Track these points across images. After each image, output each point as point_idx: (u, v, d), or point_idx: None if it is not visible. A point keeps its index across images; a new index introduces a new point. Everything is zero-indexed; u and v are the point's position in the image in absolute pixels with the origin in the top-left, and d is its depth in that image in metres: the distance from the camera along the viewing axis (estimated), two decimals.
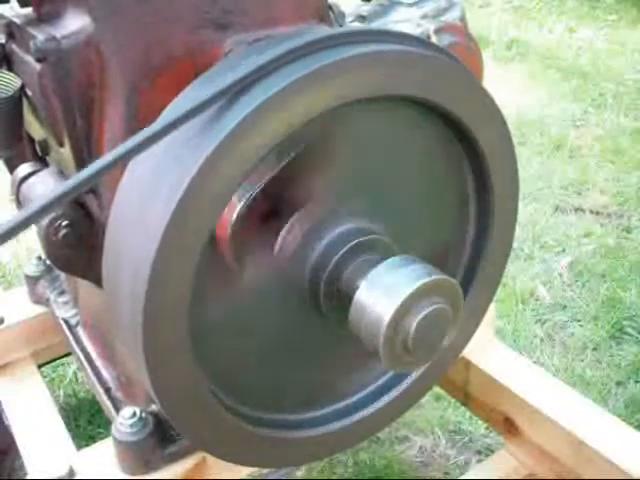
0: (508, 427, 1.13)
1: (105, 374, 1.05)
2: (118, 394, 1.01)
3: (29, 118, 0.89)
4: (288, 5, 0.83)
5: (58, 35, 0.77)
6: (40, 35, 0.77)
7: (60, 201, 0.53)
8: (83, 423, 1.49)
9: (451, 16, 1.05)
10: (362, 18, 1.05)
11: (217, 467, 0.93)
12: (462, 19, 1.06)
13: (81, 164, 0.82)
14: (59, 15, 0.80)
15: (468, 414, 1.47)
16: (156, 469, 0.89)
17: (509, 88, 3.17)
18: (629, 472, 0.96)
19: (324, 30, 0.74)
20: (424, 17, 1.04)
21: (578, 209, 2.26)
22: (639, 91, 3.15)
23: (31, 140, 0.97)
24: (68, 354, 1.33)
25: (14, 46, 0.88)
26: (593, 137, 2.74)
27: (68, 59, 0.77)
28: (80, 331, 1.14)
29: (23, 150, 1.01)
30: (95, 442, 1.00)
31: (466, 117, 0.81)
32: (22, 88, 0.85)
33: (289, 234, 0.78)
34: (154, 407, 0.90)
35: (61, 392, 1.58)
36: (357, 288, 0.74)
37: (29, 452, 1.05)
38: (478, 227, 0.92)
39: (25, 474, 1.02)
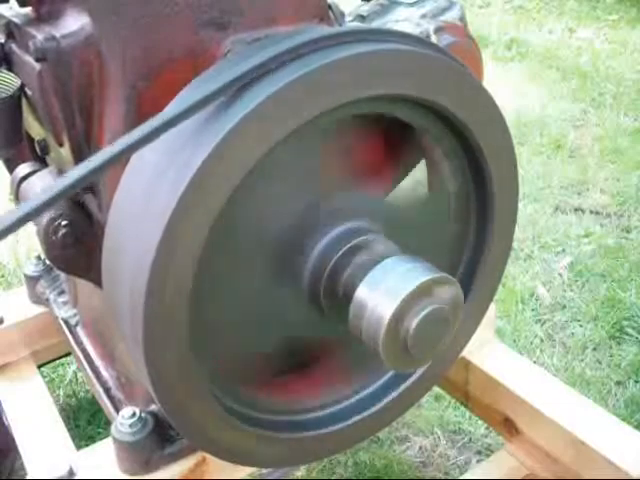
0: (508, 427, 1.13)
1: (105, 374, 1.05)
2: (118, 394, 1.01)
3: (29, 118, 0.89)
4: (287, 5, 0.83)
5: (57, 35, 0.77)
6: (39, 35, 0.77)
7: (59, 197, 0.53)
8: (83, 423, 1.49)
9: (451, 16, 1.05)
10: (362, 18, 1.05)
11: (217, 467, 0.93)
12: (462, 19, 1.06)
13: None
14: (58, 15, 0.80)
15: (468, 414, 1.47)
16: (156, 469, 0.89)
17: (509, 88, 3.17)
18: (629, 472, 0.96)
19: (323, 29, 0.74)
20: (424, 17, 1.04)
21: (578, 209, 2.26)
22: (639, 91, 3.15)
23: (31, 140, 0.97)
24: (68, 354, 1.33)
25: (14, 46, 0.88)
26: (593, 137, 2.74)
27: (67, 59, 0.77)
28: (80, 331, 1.14)
29: (23, 150, 1.01)
30: (95, 442, 1.00)
31: (466, 117, 0.81)
32: (22, 88, 0.85)
33: (289, 234, 0.78)
34: (154, 407, 0.90)
35: (61, 392, 1.58)
36: (357, 287, 0.74)
37: (29, 452, 1.05)
38: (478, 227, 0.92)
39: (25, 474, 1.02)
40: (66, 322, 1.16)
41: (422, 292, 0.71)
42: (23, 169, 0.96)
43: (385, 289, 0.72)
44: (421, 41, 0.79)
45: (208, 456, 0.90)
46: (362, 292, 0.73)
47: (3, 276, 1.98)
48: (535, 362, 1.60)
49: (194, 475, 0.91)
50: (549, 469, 1.08)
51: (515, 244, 2.01)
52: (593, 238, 2.10)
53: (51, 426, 1.11)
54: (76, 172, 0.54)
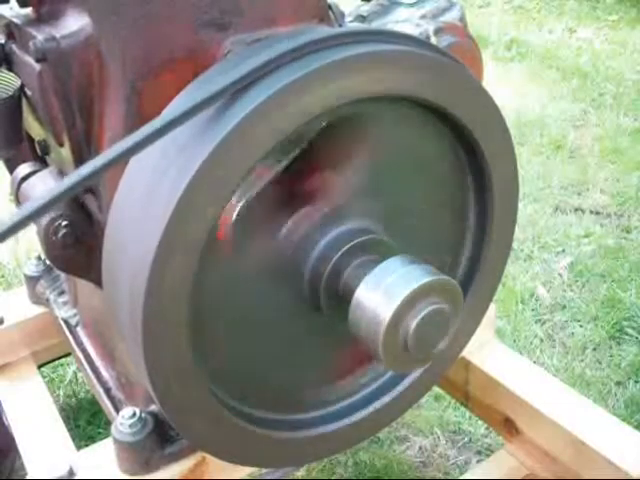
0: (508, 427, 1.13)
1: (105, 374, 1.05)
2: (118, 394, 1.01)
3: (29, 118, 0.89)
4: (287, 5, 0.83)
5: (58, 35, 0.77)
6: (40, 35, 0.77)
7: (60, 199, 0.53)
8: (83, 423, 1.49)
9: (451, 16, 1.05)
10: (362, 18, 1.05)
11: (217, 467, 0.93)
12: (462, 19, 1.06)
13: (80, 164, 0.81)
14: (59, 15, 0.80)
15: (468, 414, 1.47)
16: (156, 469, 0.89)
17: (509, 88, 3.17)
18: (629, 472, 0.96)
19: (323, 30, 0.74)
20: (424, 17, 1.04)
21: (578, 209, 2.26)
22: (639, 91, 3.15)
23: (31, 140, 0.97)
24: (68, 354, 1.33)
25: (14, 46, 0.88)
26: (593, 137, 2.74)
27: (68, 59, 0.77)
28: (80, 331, 1.14)
29: (23, 150, 1.01)
30: (95, 442, 1.00)
31: (466, 117, 0.81)
32: (22, 88, 0.85)
33: (289, 234, 0.78)
34: (154, 407, 0.90)
35: (61, 392, 1.58)
36: (357, 288, 0.74)
37: (29, 452, 1.05)
38: (478, 227, 0.92)
39: (25, 474, 1.02)
40: (66, 322, 1.16)
41: (422, 293, 0.71)
42: (23, 169, 0.96)
43: (385, 290, 0.72)
44: (421, 42, 0.79)
45: (208, 456, 0.90)
46: (362, 292, 0.73)
47: (3, 276, 1.98)
48: (535, 362, 1.60)
49: (194, 475, 0.91)
50: (549, 469, 1.08)
51: (515, 244, 2.01)
52: (593, 238, 2.10)
53: (51, 426, 1.11)
54: (75, 175, 0.54)
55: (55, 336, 1.23)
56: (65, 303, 1.19)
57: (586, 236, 2.12)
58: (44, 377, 1.38)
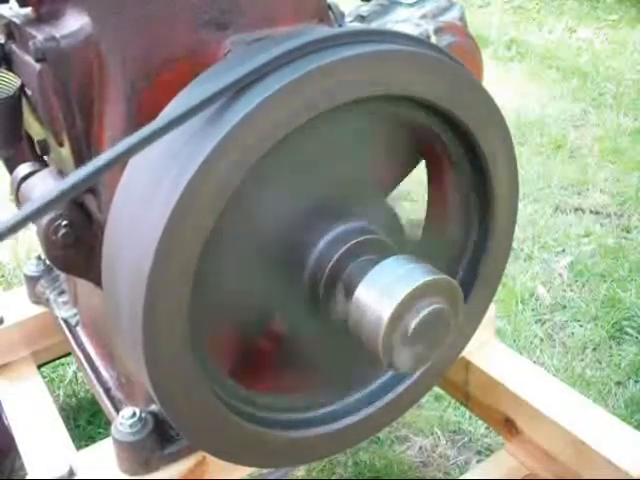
0: (508, 427, 1.13)
1: (105, 374, 1.05)
2: (118, 394, 1.01)
3: (29, 118, 0.89)
4: (287, 5, 0.83)
5: (57, 35, 0.77)
6: (39, 35, 0.77)
7: (60, 199, 0.53)
8: (83, 423, 1.49)
9: (451, 16, 1.05)
10: (362, 18, 1.04)
11: (217, 467, 0.92)
12: (462, 19, 1.06)
13: (80, 164, 0.82)
14: (58, 15, 0.80)
15: (468, 414, 1.47)
16: (156, 469, 0.89)
17: (509, 88, 3.17)
18: (629, 472, 0.96)
19: (323, 30, 0.74)
20: (424, 17, 1.04)
21: (578, 209, 2.26)
22: (639, 91, 3.15)
23: (31, 140, 0.97)
24: (68, 354, 1.33)
25: (14, 46, 0.88)
26: (593, 137, 2.74)
27: (67, 59, 0.77)
28: (80, 331, 1.14)
29: (23, 150, 1.01)
30: (95, 442, 1.00)
31: (466, 117, 0.81)
32: (22, 88, 0.85)
33: (287, 235, 0.78)
34: (154, 407, 0.90)
35: (61, 392, 1.58)
36: (356, 288, 0.74)
37: (29, 452, 1.05)
38: (478, 227, 0.92)
39: (25, 474, 1.02)
40: (66, 322, 1.16)
41: (421, 293, 0.71)
42: (23, 169, 0.96)
43: (385, 289, 0.72)
44: (421, 41, 0.79)
45: (208, 456, 0.90)
46: (362, 292, 0.73)
47: (3, 276, 1.98)
48: (535, 362, 1.60)
49: (194, 475, 0.91)
50: (549, 469, 1.08)
51: (515, 244, 2.01)
52: (593, 238, 2.10)
53: (51, 426, 1.11)
54: (75, 175, 0.54)
55: (55, 336, 1.23)
56: (65, 303, 1.19)
57: (586, 236, 2.12)
58: (44, 377, 1.38)
